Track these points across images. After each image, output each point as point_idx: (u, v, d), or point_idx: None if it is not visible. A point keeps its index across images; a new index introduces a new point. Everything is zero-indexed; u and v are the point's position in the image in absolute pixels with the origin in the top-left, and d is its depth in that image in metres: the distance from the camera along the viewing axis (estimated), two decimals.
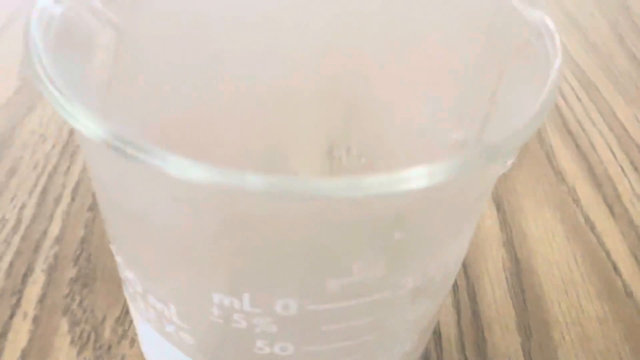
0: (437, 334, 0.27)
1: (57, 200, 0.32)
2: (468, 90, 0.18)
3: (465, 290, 0.29)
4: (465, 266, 0.30)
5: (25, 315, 0.27)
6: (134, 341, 0.26)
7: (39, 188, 0.33)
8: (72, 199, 0.32)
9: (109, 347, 0.26)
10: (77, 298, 0.28)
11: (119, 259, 0.16)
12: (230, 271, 0.13)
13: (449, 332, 0.28)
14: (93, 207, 0.32)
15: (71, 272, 0.29)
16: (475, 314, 0.28)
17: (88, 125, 0.11)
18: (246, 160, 0.23)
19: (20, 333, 0.26)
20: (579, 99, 0.42)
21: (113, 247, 0.16)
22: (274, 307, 0.13)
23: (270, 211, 0.11)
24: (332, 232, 0.12)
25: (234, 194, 0.10)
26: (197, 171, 0.10)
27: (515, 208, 0.34)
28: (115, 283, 0.28)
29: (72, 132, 0.36)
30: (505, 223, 0.33)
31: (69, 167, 0.34)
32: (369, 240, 0.12)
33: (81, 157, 0.35)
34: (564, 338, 0.28)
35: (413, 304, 0.15)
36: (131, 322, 0.27)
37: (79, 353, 0.26)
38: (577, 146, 0.38)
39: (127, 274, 0.16)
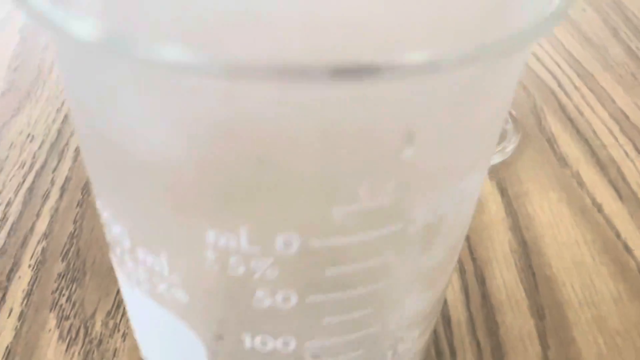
0: (446, 318, 0.26)
1: (45, 197, 0.31)
2: None
3: (473, 274, 0.28)
4: (471, 250, 0.29)
5: (10, 311, 0.25)
6: (126, 334, 0.25)
7: (26, 185, 0.31)
8: (61, 196, 0.31)
9: (100, 342, 0.24)
10: (66, 293, 0.26)
11: (105, 214, 0.15)
12: (225, 200, 0.12)
13: (459, 315, 0.26)
14: (82, 203, 0.31)
15: (59, 267, 0.27)
16: (485, 297, 0.27)
17: (74, 24, 0.10)
18: None
19: (5, 329, 0.25)
20: (577, 88, 0.42)
21: (99, 204, 0.15)
22: (274, 244, 0.12)
23: (268, 116, 0.10)
24: (337, 146, 0.11)
25: (230, 91, 0.09)
26: (187, 56, 0.09)
27: (520, 193, 0.33)
28: (106, 276, 0.27)
29: (60, 130, 0.35)
30: (510, 207, 0.32)
31: (57, 165, 0.33)
32: (377, 157, 0.11)
33: (70, 155, 0.34)
34: (579, 318, 0.26)
35: (424, 250, 0.14)
36: (123, 314, 0.25)
37: (68, 348, 0.24)
38: (578, 132, 0.37)
39: (114, 230, 0.15)
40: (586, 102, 0.40)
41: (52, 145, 0.34)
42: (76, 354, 0.24)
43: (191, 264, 0.13)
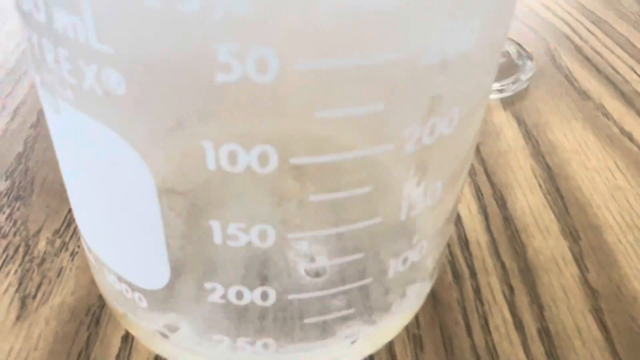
0: (462, 240, 0.22)
1: None
2: None
3: (492, 197, 0.24)
4: (488, 175, 0.25)
5: None
6: (75, 253, 0.20)
7: None
8: (12, 118, 0.27)
9: (43, 260, 0.20)
10: (7, 211, 0.22)
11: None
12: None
13: (478, 237, 0.22)
14: (36, 125, 0.26)
15: (2, 186, 0.23)
16: (508, 220, 0.23)
17: None
18: None
19: None
20: (592, 33, 0.38)
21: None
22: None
23: None
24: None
25: None
26: None
27: (539, 122, 0.29)
28: (57, 196, 0.23)
29: (19, 60, 0.31)
30: (529, 136, 0.28)
31: (11, 91, 0.29)
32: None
33: (27, 83, 0.29)
34: (619, 242, 0.22)
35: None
36: (74, 234, 0.21)
37: (2, 267, 0.20)
38: (598, 70, 0.34)
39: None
40: (603, 44, 0.37)
41: (8, 74, 0.30)
42: (12, 272, 0.19)
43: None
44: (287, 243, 0.12)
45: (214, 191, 0.12)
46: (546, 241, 0.22)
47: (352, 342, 0.15)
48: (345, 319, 0.14)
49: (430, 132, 0.12)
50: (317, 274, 0.13)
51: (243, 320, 0.14)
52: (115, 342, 0.18)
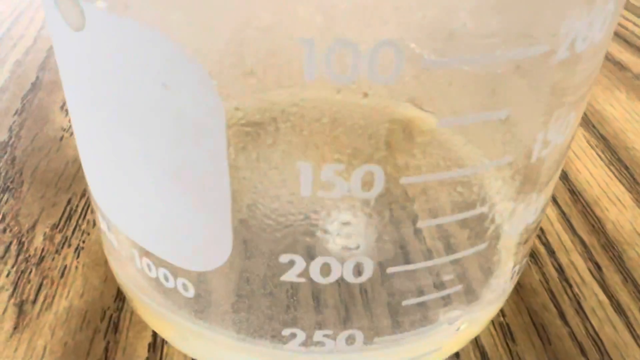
0: None
1: None
2: None
3: None
4: None
5: None
6: (80, 249, 0.17)
7: None
8: None
9: (41, 259, 0.16)
10: None
11: None
12: None
13: (546, 212, 0.19)
14: (22, 112, 0.23)
15: None
16: (574, 193, 0.20)
17: None
18: None
19: None
20: None
21: None
22: None
23: None
24: None
25: None
26: None
27: None
28: (53, 185, 0.19)
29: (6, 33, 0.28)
30: None
31: None
32: None
33: (8, 67, 0.26)
34: None
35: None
36: (77, 227, 0.17)
37: None
38: (628, 43, 0.32)
39: None
40: (625, 18, 0.35)
41: None
42: (3, 275, 0.16)
43: None
44: (396, 189, 0.09)
45: (304, 119, 0.09)
46: (623, 214, 0.19)
47: (457, 329, 0.12)
48: (449, 298, 0.11)
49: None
50: (423, 236, 0.10)
51: (325, 306, 0.11)
52: (141, 351, 0.14)
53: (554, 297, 0.16)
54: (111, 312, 0.15)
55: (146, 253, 0.11)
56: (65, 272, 0.16)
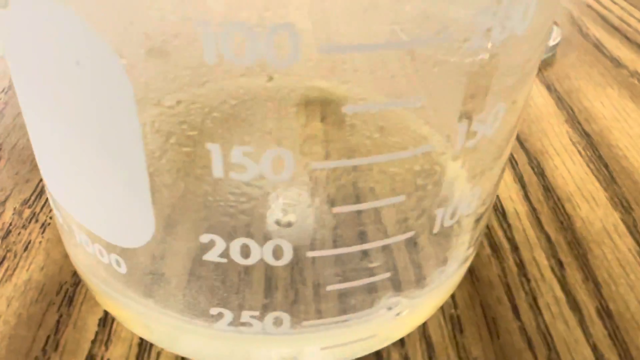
0: (499, 210, 0.19)
1: None
2: None
3: (528, 165, 0.21)
4: (520, 141, 0.22)
5: None
6: (47, 225, 0.17)
7: None
8: None
9: (7, 233, 0.17)
10: None
11: None
12: None
13: (515, 207, 0.19)
14: (8, 90, 0.23)
15: None
16: (548, 189, 0.20)
17: None
18: None
19: None
20: (615, 2, 0.36)
21: None
22: None
23: None
24: None
25: None
26: None
27: (571, 89, 0.26)
28: (28, 162, 0.20)
29: None
30: (562, 102, 0.25)
31: None
32: None
33: None
34: None
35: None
36: (46, 204, 0.18)
37: None
38: (627, 39, 0.31)
39: None
40: (629, 14, 0.34)
41: None
42: None
43: None
44: (309, 174, 0.09)
45: (213, 100, 0.09)
46: (594, 211, 0.19)
47: (396, 315, 0.12)
48: (380, 285, 0.11)
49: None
50: (344, 222, 0.10)
51: (249, 287, 0.11)
52: (92, 326, 0.14)
53: (509, 292, 0.16)
54: (67, 286, 0.15)
55: (83, 228, 0.11)
56: (29, 246, 0.16)
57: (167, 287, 0.11)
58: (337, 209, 0.10)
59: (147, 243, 0.11)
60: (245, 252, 0.10)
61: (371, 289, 0.11)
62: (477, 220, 0.13)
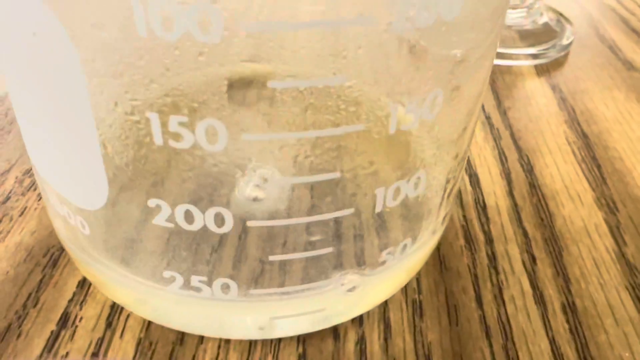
0: (479, 204, 0.19)
1: None
2: None
3: (517, 161, 0.21)
4: (514, 139, 0.22)
5: None
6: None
7: None
8: None
9: (7, 199, 0.18)
10: None
11: None
12: None
13: (498, 202, 0.19)
14: None
15: None
16: (534, 186, 0.20)
17: None
18: None
19: None
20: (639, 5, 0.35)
21: None
22: None
23: None
24: None
25: None
26: None
27: (576, 90, 0.26)
28: None
29: None
30: (564, 103, 0.25)
31: None
32: None
33: None
34: None
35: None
36: None
37: None
38: None
39: None
40: None
41: None
42: None
43: None
44: (245, 147, 0.10)
45: (152, 72, 0.09)
46: (578, 210, 0.19)
47: (347, 291, 0.13)
48: (328, 260, 0.12)
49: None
50: (281, 194, 0.11)
51: (197, 252, 0.12)
52: (71, 287, 0.15)
53: (476, 282, 0.16)
54: (54, 250, 0.16)
55: (54, 190, 0.12)
56: (25, 212, 0.18)
57: (124, 250, 0.12)
58: (275, 181, 0.10)
59: (103, 206, 0.11)
60: (189, 218, 0.11)
61: (317, 263, 0.12)
62: (429, 206, 0.13)
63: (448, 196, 0.14)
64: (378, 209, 0.12)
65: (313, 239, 0.12)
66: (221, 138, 0.10)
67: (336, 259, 0.12)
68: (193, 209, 0.11)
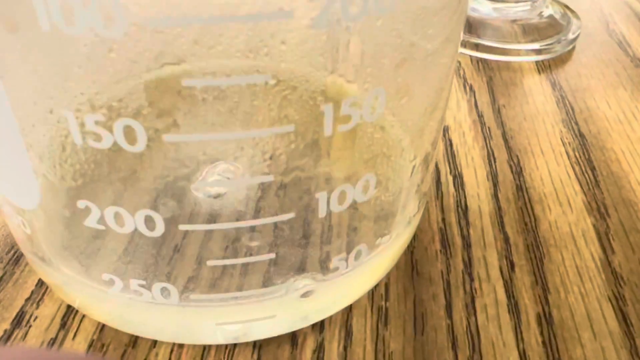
0: (461, 207, 0.18)
1: None
2: None
3: (506, 163, 0.20)
4: (506, 138, 0.22)
5: None
6: None
7: None
8: None
9: None
10: None
11: None
12: None
13: (480, 205, 0.19)
14: None
15: None
16: (520, 189, 0.19)
17: None
18: None
19: None
20: None
21: None
22: None
23: None
24: None
25: None
26: None
27: (577, 88, 0.25)
28: None
29: None
30: (563, 101, 0.24)
31: None
32: None
33: None
34: None
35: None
36: None
37: None
38: None
39: None
40: None
41: None
42: None
43: None
44: (171, 149, 0.09)
45: (66, 70, 0.09)
46: (565, 215, 0.18)
47: (302, 296, 0.12)
48: (269, 265, 0.12)
49: None
50: (217, 195, 0.10)
51: (132, 256, 0.11)
52: (30, 285, 0.15)
53: (448, 289, 0.16)
54: (18, 247, 0.16)
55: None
56: None
57: (62, 250, 0.12)
58: (206, 184, 0.10)
59: (37, 206, 0.11)
60: (119, 220, 0.10)
61: (258, 268, 0.11)
62: (385, 211, 0.13)
63: (410, 200, 0.13)
64: (322, 214, 0.11)
65: (252, 244, 0.11)
66: (140, 138, 0.09)
67: (280, 265, 0.12)
68: (122, 211, 0.10)
